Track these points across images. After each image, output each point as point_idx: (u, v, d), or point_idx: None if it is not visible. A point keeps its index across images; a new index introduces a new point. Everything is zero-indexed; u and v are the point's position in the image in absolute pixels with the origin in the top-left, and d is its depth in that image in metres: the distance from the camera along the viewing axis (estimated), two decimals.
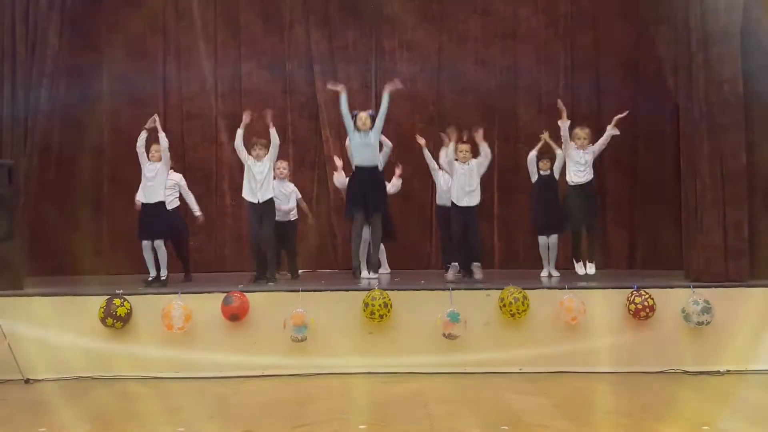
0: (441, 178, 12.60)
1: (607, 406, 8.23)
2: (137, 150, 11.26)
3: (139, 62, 14.69)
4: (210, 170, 14.86)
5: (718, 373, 9.78)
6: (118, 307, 9.80)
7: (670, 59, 11.12)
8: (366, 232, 11.82)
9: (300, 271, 13.03)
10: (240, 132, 11.43)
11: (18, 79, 10.76)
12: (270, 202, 11.47)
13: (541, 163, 12.32)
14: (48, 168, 12.95)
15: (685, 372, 9.83)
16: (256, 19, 15.09)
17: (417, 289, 10.54)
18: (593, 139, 11.76)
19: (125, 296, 10.00)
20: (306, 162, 14.85)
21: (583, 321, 9.89)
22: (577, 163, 11.65)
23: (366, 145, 11.51)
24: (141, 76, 14.65)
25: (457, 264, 11.67)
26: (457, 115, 14.78)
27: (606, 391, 8.99)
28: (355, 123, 11.55)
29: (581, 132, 11.73)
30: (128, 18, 14.63)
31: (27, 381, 9.67)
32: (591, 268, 11.58)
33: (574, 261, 11.90)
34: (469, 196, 11.58)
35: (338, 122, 14.57)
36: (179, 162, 13.45)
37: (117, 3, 14.53)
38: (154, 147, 11.57)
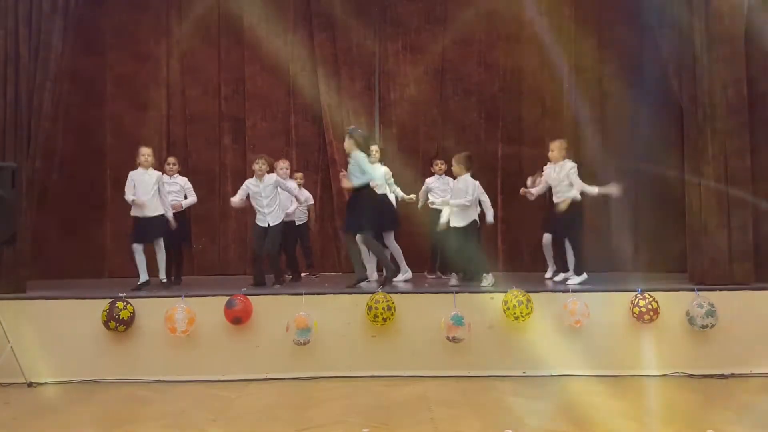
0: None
1: (611, 410, 8.18)
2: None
3: (143, 65, 14.69)
4: (213, 173, 14.84)
5: (722, 376, 9.78)
6: (121, 310, 9.80)
7: (674, 62, 11.11)
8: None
9: (302, 274, 13.04)
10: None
11: (21, 82, 10.74)
12: (278, 226, 11.54)
13: None
14: (51, 171, 12.96)
15: (690, 375, 9.82)
16: (259, 22, 15.05)
17: (420, 293, 10.51)
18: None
19: (128, 299, 10.00)
20: (310, 165, 14.84)
21: (587, 324, 9.86)
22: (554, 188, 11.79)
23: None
24: (144, 80, 14.66)
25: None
26: (461, 117, 14.82)
27: (610, 394, 8.94)
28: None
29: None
30: (132, 21, 14.64)
31: (30, 384, 9.69)
32: (574, 279, 11.52)
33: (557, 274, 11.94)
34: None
35: (342, 125, 14.62)
36: (182, 165, 13.42)
37: (120, 6, 14.53)
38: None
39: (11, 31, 10.77)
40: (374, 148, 12.13)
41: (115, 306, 9.83)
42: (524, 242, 14.64)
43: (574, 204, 11.43)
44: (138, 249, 11.34)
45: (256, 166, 11.50)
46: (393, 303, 9.83)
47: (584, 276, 11.50)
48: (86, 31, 13.27)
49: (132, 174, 11.36)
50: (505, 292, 10.03)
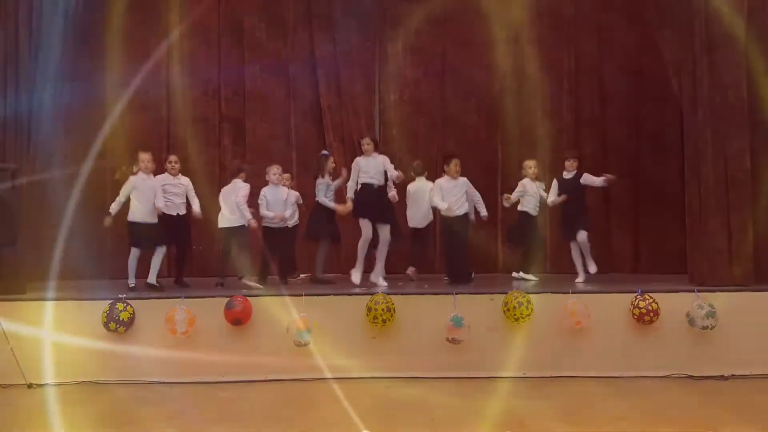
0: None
1: (612, 412, 8.17)
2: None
3: (143, 67, 14.59)
4: (213, 174, 14.75)
5: (722, 377, 9.79)
6: (121, 311, 9.79)
7: (674, 63, 11.09)
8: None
9: (302, 275, 13.02)
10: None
11: (21, 83, 10.72)
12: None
13: (567, 163, 12.27)
14: (51, 172, 12.92)
15: (690, 376, 9.82)
16: (259, 23, 15.05)
17: (421, 293, 10.52)
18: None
19: (128, 301, 9.98)
20: (310, 167, 14.74)
21: (588, 325, 9.86)
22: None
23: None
24: (145, 81, 14.56)
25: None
26: (461, 119, 14.78)
27: (611, 395, 8.95)
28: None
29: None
30: (132, 23, 14.54)
31: (30, 386, 9.65)
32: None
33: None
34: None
35: (342, 126, 14.60)
36: (183, 165, 13.40)
37: (120, 8, 14.43)
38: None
39: (11, 31, 10.75)
40: (365, 141, 12.20)
41: (115, 307, 9.82)
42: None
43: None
44: (137, 254, 11.34)
45: (274, 176, 11.96)
46: (393, 304, 9.82)
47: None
48: (86, 32, 13.19)
49: (133, 179, 11.33)
50: (505, 293, 10.03)
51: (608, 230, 14.44)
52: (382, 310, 9.73)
